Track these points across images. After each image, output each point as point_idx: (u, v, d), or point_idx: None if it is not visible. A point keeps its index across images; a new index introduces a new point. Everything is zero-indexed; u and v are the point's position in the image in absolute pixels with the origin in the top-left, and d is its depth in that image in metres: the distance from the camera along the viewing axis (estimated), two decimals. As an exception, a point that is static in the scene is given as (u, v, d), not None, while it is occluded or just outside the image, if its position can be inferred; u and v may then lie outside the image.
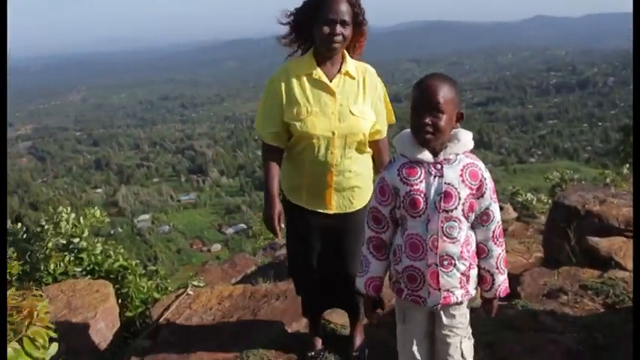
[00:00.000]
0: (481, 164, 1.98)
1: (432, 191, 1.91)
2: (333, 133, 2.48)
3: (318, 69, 2.50)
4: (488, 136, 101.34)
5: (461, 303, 2.06)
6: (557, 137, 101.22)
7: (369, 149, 2.67)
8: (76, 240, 4.48)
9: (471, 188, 1.92)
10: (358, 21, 2.49)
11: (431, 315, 2.10)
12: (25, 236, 4.56)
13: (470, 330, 2.15)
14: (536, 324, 3.18)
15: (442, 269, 1.95)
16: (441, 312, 2.06)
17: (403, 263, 2.01)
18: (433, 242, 1.93)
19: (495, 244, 2.01)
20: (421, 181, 1.93)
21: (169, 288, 4.88)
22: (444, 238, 1.93)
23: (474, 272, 2.03)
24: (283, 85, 2.51)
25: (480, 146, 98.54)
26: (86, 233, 4.56)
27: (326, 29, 2.39)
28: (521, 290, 3.75)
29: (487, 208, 1.97)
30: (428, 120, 1.86)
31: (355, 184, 2.62)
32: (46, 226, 4.47)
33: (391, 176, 1.98)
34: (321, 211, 2.62)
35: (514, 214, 9.30)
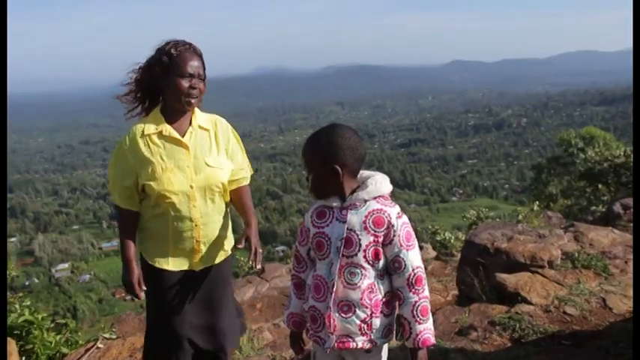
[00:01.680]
0: (392, 210, 1.94)
1: (335, 236, 1.93)
2: (192, 187, 2.46)
3: (167, 125, 2.47)
4: (411, 177, 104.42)
5: (369, 351, 2.01)
6: (476, 176, 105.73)
7: (227, 199, 2.66)
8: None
9: (375, 235, 1.91)
10: (205, 77, 2.53)
11: (341, 358, 2.07)
12: None
13: None
14: (446, 362, 3.23)
15: (341, 314, 1.94)
16: (349, 356, 2.03)
17: (308, 303, 2.02)
18: (333, 286, 1.93)
19: (411, 291, 1.94)
20: (327, 225, 1.95)
21: (80, 342, 4.61)
22: (345, 283, 1.93)
23: (378, 321, 1.97)
24: (133, 147, 2.46)
25: (404, 187, 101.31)
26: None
27: (185, 83, 2.39)
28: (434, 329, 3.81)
29: (397, 256, 1.93)
30: (308, 176, 2.00)
31: (220, 234, 2.61)
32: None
33: (307, 218, 2.04)
34: (187, 269, 2.57)
35: (433, 253, 9.52)
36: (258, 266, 2.68)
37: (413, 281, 1.94)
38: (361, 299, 1.93)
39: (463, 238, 10.32)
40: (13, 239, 75.79)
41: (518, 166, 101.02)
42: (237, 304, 3.05)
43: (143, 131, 2.46)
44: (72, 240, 77.71)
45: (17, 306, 4.44)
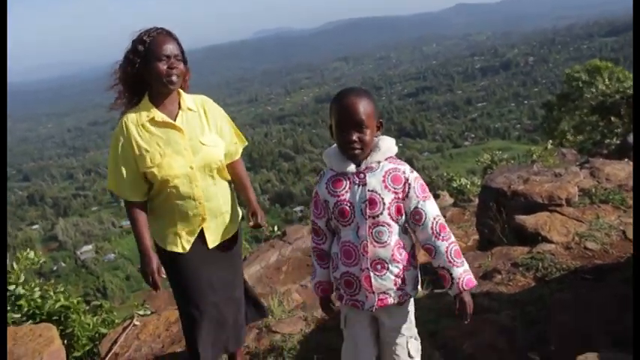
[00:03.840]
0: (405, 167, 2.02)
1: (357, 199, 1.98)
2: (192, 168, 2.52)
3: (158, 111, 2.51)
4: (422, 125, 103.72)
5: (402, 304, 2.10)
6: (487, 119, 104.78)
7: (227, 175, 2.73)
8: (12, 287, 4.31)
9: (395, 192, 1.98)
10: (184, 58, 2.55)
11: (374, 319, 2.16)
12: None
13: (415, 330, 2.20)
14: (474, 307, 3.32)
15: (375, 273, 2.02)
16: (383, 314, 2.12)
17: (340, 270, 2.08)
18: (364, 248, 1.99)
19: (439, 239, 2.00)
20: (347, 192, 2.00)
21: (116, 321, 4.77)
22: (374, 243, 2.00)
23: (409, 273, 2.07)
24: (128, 138, 2.49)
25: (416, 136, 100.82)
26: (22, 278, 4.39)
27: (162, 65, 2.42)
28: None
29: (416, 208, 2.00)
30: (354, 137, 1.94)
31: (225, 210, 2.68)
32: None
33: (321, 190, 2.07)
34: (199, 247, 2.64)
35: (450, 200, 9.60)
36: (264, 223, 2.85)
37: (438, 230, 2.01)
38: (392, 255, 2.01)
39: (479, 183, 10.38)
40: (35, 226, 77.20)
41: (529, 105, 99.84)
42: (250, 287, 3.13)
43: (136, 120, 2.51)
44: (93, 221, 78.88)
45: (52, 293, 4.59)
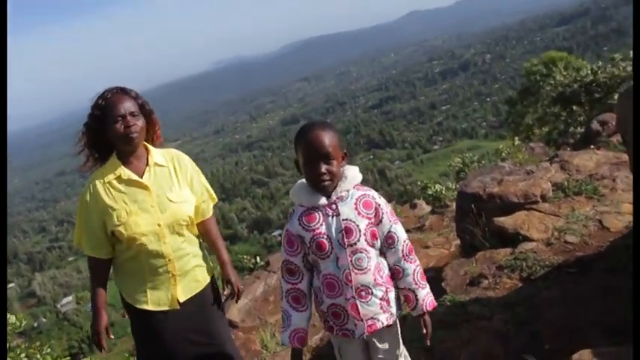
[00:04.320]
0: (372, 192, 2.07)
1: (333, 230, 1.99)
2: (159, 225, 2.49)
3: (125, 169, 2.51)
4: (390, 135, 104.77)
5: (390, 326, 2.13)
6: (453, 121, 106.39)
7: (196, 230, 2.69)
8: (-5, 355, 4.18)
9: (368, 217, 2.02)
10: (146, 111, 2.56)
11: (365, 344, 2.17)
12: None
13: (403, 347, 2.24)
14: (466, 315, 3.34)
15: (361, 300, 2.03)
16: (373, 339, 2.13)
17: (325, 303, 2.08)
18: (346, 277, 2.00)
19: (407, 261, 2.09)
20: (321, 224, 2.01)
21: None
22: (355, 270, 2.01)
23: (392, 295, 2.11)
24: (95, 196, 2.49)
25: (385, 146, 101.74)
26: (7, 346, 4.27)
27: (119, 126, 2.43)
28: (446, 285, 3.92)
29: (389, 232, 2.06)
30: (323, 169, 1.95)
31: (195, 264, 2.64)
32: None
33: (294, 226, 2.06)
34: (169, 306, 2.56)
35: (428, 208, 9.65)
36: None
37: (407, 252, 2.10)
38: (375, 279, 2.04)
39: (453, 187, 10.49)
40: (11, 285, 75.12)
41: (492, 102, 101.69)
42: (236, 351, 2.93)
43: (102, 179, 2.49)
44: (70, 272, 77.30)
45: (38, 356, 4.47)
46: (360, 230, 2.00)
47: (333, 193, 2.01)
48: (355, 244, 2.00)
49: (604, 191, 4.52)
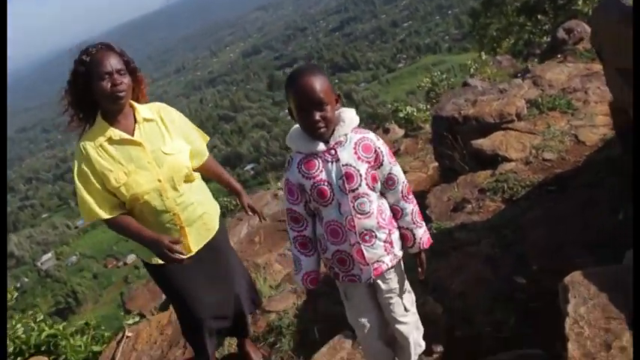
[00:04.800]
0: (371, 135, 2.03)
1: (334, 177, 1.96)
2: (160, 180, 2.45)
3: (114, 129, 2.43)
4: (353, 57, 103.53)
5: (394, 267, 2.15)
6: (416, 37, 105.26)
7: (197, 175, 2.66)
8: (-10, 330, 4.17)
9: (368, 162, 1.98)
10: (131, 68, 2.46)
11: (370, 285, 2.19)
12: None
13: (407, 283, 2.26)
14: (453, 242, 3.41)
15: (365, 244, 2.03)
16: (378, 281, 2.15)
17: (330, 250, 2.09)
18: (349, 223, 2.00)
19: (406, 201, 2.09)
20: (321, 171, 1.97)
21: (106, 334, 4.71)
22: (358, 215, 2.00)
23: (395, 236, 2.11)
24: (89, 161, 2.40)
25: (349, 68, 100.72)
26: (-3, 320, 4.25)
27: (105, 83, 2.33)
28: (431, 213, 3.96)
29: (389, 173, 2.04)
30: (317, 116, 1.89)
31: (202, 212, 2.62)
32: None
33: (294, 175, 2.02)
34: (185, 256, 2.51)
35: (401, 132, 9.69)
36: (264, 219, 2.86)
37: (405, 192, 2.09)
38: (378, 223, 2.03)
39: (425, 108, 10.50)
40: (-12, 247, 74.46)
41: (453, 15, 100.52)
42: (247, 275, 3.11)
43: (93, 143, 2.40)
44: (46, 229, 76.80)
45: (33, 324, 4.47)
46: (360, 175, 1.97)
47: (331, 138, 1.96)
48: (357, 189, 1.97)
49: (577, 104, 4.56)
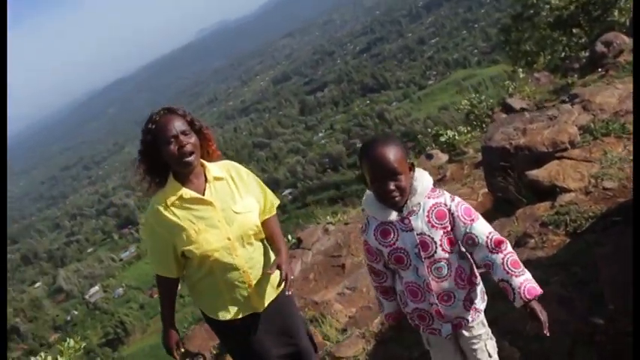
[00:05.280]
0: (444, 198, 2.03)
1: (409, 245, 2.01)
2: (229, 239, 2.51)
3: (185, 189, 2.50)
4: (382, 77, 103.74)
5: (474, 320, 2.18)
6: (444, 52, 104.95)
7: (263, 235, 2.72)
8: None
9: (443, 228, 2.00)
10: (197, 128, 2.53)
11: (454, 335, 2.23)
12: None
13: (489, 330, 2.27)
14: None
15: (444, 304, 2.08)
16: (461, 330, 2.20)
17: (410, 306, 2.17)
18: (427, 286, 2.05)
19: (494, 253, 1.99)
20: (397, 240, 2.03)
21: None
22: (436, 279, 2.05)
23: (475, 292, 2.15)
24: (160, 220, 2.50)
25: (380, 89, 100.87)
26: (72, 371, 4.41)
27: (173, 147, 2.42)
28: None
29: (466, 233, 2.00)
30: (391, 186, 1.93)
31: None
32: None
33: (371, 240, 2.10)
34: (251, 312, 2.64)
35: (445, 157, 9.60)
36: (289, 292, 2.68)
37: (492, 245, 1.99)
38: (456, 284, 2.07)
39: (465, 131, 10.42)
40: (37, 284, 76.65)
41: (480, 28, 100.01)
42: (311, 335, 3.11)
43: (164, 202, 2.49)
44: (92, 263, 78.62)
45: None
46: (435, 242, 2.00)
47: (405, 207, 2.00)
48: (432, 255, 2.01)
49: (632, 129, 4.48)
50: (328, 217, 7.93)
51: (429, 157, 9.98)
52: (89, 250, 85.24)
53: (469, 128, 10.37)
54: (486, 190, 6.15)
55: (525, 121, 5.25)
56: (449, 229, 2.01)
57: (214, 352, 6.89)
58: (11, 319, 59.47)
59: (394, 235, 2.03)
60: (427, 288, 2.05)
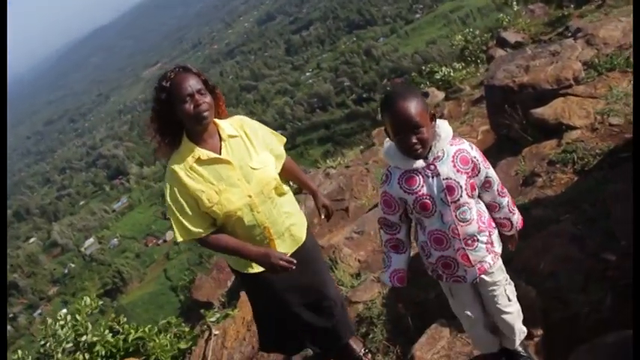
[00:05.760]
0: (466, 145, 2.10)
1: (436, 191, 2.05)
2: (250, 196, 2.52)
3: (202, 150, 2.50)
4: (369, 13, 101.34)
5: (495, 263, 2.26)
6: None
7: (287, 188, 2.72)
8: (84, 337, 4.41)
9: (466, 173, 2.07)
10: (210, 87, 2.51)
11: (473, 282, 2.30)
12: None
13: (507, 276, 2.35)
14: (532, 220, 3.41)
15: (469, 249, 2.15)
16: (482, 276, 2.26)
17: (434, 256, 2.21)
18: (453, 231, 2.11)
19: (502, 196, 2.22)
20: (422, 186, 2.06)
21: (185, 329, 4.89)
22: (461, 224, 2.10)
23: (494, 235, 2.24)
24: (181, 184, 2.48)
25: (366, 24, 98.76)
26: (90, 327, 4.48)
27: (189, 105, 2.40)
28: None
29: (486, 178, 2.14)
30: (414, 139, 1.96)
31: (290, 223, 2.70)
32: (46, 344, 4.39)
33: (394, 190, 2.11)
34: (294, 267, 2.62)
35: (441, 95, 9.56)
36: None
37: (500, 189, 2.21)
38: (479, 227, 2.15)
39: (460, 68, 10.33)
40: (32, 239, 76.95)
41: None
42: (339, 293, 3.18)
43: (183, 165, 2.48)
44: (85, 215, 78.68)
45: (118, 327, 4.69)
46: (461, 186, 2.05)
47: (430, 153, 2.03)
48: (458, 200, 2.06)
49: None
50: (328, 161, 7.95)
51: (425, 95, 9.92)
52: (81, 203, 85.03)
53: (464, 64, 10.29)
54: (486, 127, 6.16)
55: (527, 57, 5.19)
56: (471, 173, 2.09)
57: (222, 299, 7.05)
58: (9, 275, 60.04)
59: (419, 181, 2.06)
60: (453, 233, 2.11)
